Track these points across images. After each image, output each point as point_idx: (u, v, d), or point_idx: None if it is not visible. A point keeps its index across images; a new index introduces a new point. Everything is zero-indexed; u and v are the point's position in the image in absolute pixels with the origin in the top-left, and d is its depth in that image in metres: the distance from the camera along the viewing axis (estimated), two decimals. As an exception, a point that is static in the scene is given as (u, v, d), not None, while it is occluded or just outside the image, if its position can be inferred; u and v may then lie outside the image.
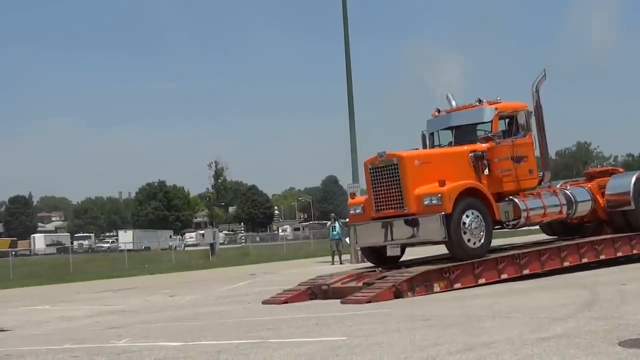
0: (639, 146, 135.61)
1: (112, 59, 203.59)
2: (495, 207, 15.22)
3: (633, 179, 17.68)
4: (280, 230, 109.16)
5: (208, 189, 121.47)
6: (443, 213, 14.27)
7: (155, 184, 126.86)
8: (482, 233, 14.72)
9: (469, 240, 14.54)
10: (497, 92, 16.62)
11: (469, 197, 14.78)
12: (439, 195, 14.36)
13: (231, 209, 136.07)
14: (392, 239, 15.07)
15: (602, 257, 16.77)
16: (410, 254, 17.27)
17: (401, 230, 14.82)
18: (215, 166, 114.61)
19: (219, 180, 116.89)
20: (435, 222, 14.33)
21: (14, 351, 9.77)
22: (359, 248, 17.28)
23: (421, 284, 13.69)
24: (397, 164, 14.86)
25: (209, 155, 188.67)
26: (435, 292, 13.69)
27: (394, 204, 14.90)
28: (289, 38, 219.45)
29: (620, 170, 20.26)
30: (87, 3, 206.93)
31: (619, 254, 17.19)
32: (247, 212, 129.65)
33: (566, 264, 16.04)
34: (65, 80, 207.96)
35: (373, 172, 15.26)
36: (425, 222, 14.48)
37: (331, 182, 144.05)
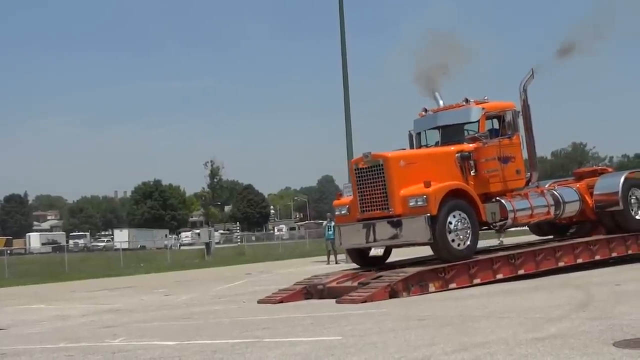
0: (635, 147, 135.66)
1: (108, 59, 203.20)
2: (482, 208, 15.08)
3: (622, 179, 17.52)
4: (276, 230, 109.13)
5: (204, 188, 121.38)
6: (428, 214, 14.15)
7: (151, 183, 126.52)
8: (468, 234, 14.58)
9: (454, 242, 14.40)
10: (486, 91, 16.45)
11: (455, 198, 14.65)
12: (424, 196, 14.23)
13: (227, 209, 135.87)
14: (375, 241, 14.95)
15: (597, 257, 16.78)
16: (405, 254, 17.24)
17: (385, 232, 14.69)
18: (211, 165, 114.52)
19: (215, 180, 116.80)
20: (421, 224, 14.19)
21: (8, 350, 9.77)
22: (344, 249, 17.01)
23: (416, 284, 13.69)
24: (382, 165, 14.72)
25: (205, 154, 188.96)
26: (431, 292, 13.70)
27: (379, 205, 14.75)
28: (285, 37, 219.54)
29: (610, 170, 20.13)
30: (84, 3, 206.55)
31: (614, 255, 17.22)
32: (242, 212, 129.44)
33: (561, 264, 16.06)
34: (61, 80, 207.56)
35: (358, 173, 15.11)
36: (410, 223, 14.34)
37: (327, 182, 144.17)
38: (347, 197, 16.05)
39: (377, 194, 14.78)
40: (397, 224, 14.48)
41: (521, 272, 15.28)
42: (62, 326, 13.05)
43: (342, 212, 15.78)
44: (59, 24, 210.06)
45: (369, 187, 14.93)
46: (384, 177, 14.69)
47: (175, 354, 8.46)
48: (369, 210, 14.96)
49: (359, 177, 15.10)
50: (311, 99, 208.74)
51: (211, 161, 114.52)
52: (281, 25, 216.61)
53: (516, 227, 17.25)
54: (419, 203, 14.28)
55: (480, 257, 15.12)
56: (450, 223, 14.41)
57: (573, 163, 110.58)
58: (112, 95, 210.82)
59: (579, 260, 16.40)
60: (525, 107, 16.62)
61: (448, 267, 14.23)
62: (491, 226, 15.79)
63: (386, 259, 16.29)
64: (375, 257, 16.14)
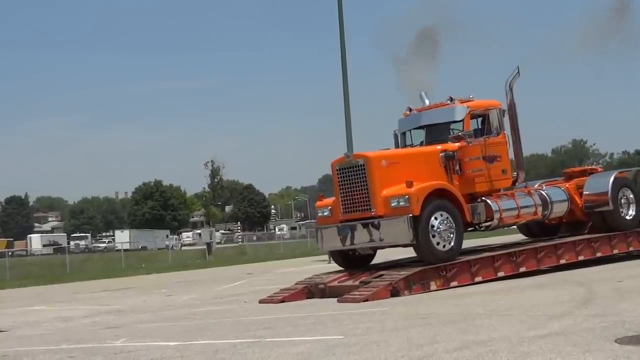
0: (635, 144, 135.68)
1: (108, 59, 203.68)
2: (466, 209, 14.74)
3: (611, 179, 17.26)
4: (277, 229, 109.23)
5: (204, 188, 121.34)
6: (410, 215, 13.82)
7: (152, 183, 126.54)
8: (452, 235, 14.24)
9: (438, 244, 14.06)
10: (471, 90, 16.12)
11: (438, 198, 14.30)
12: (406, 196, 13.92)
13: (228, 208, 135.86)
14: (356, 243, 14.61)
15: (599, 254, 16.75)
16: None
17: (366, 234, 14.36)
18: (212, 166, 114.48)
19: (216, 180, 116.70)
20: (402, 225, 13.85)
21: (11, 352, 9.77)
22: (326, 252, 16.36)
23: (418, 282, 13.67)
24: (363, 165, 14.44)
25: (205, 154, 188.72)
26: (432, 291, 13.68)
27: (361, 206, 14.46)
28: (285, 37, 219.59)
29: (599, 170, 19.96)
30: (84, 3, 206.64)
31: (615, 252, 17.18)
32: (243, 211, 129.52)
33: (563, 261, 16.04)
34: (61, 81, 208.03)
35: (340, 173, 14.82)
36: (392, 224, 14.04)
37: (328, 181, 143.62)
38: (329, 199, 15.69)
39: (359, 194, 14.49)
40: (378, 226, 14.19)
41: (523, 269, 15.25)
42: (64, 327, 13.05)
43: (325, 213, 15.44)
44: (59, 24, 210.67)
45: (350, 187, 14.64)
46: (365, 177, 14.41)
47: (177, 354, 8.46)
48: (351, 212, 14.67)
49: (341, 177, 14.81)
50: (311, 99, 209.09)
51: (211, 161, 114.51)
52: (281, 25, 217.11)
53: (502, 227, 16.79)
54: (400, 203, 13.99)
55: (481, 255, 15.10)
56: (434, 224, 14.09)
57: (573, 160, 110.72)
58: (112, 96, 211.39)
59: (581, 258, 16.36)
60: (512, 105, 16.30)
61: (449, 265, 14.19)
62: (476, 227, 15.51)
63: (370, 261, 15.95)
64: (361, 259, 15.61)
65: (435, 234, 14.11)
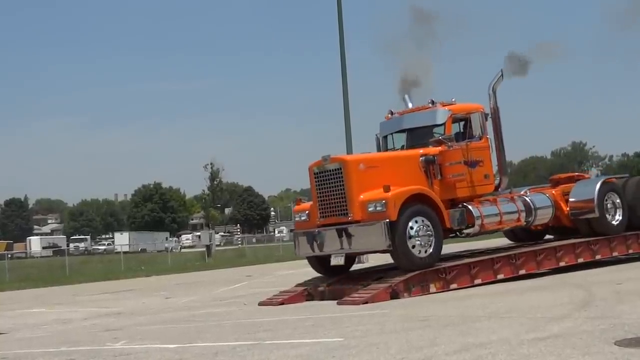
0: (634, 146, 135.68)
1: (107, 59, 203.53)
2: (446, 214, 14.41)
3: (597, 186, 17.09)
4: (276, 232, 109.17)
5: (204, 190, 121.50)
6: (387, 220, 13.49)
7: (151, 185, 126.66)
8: (430, 241, 13.91)
9: (415, 249, 13.75)
10: (455, 94, 15.84)
11: (417, 203, 13.96)
12: (384, 201, 13.59)
13: (227, 211, 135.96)
14: (332, 248, 14.28)
15: (598, 257, 16.75)
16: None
17: (342, 239, 14.01)
18: (211, 168, 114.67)
19: (215, 182, 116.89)
20: (379, 230, 13.54)
21: (10, 354, 9.78)
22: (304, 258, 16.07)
23: (417, 285, 13.66)
24: (340, 169, 14.11)
25: (205, 156, 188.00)
26: (432, 293, 13.67)
27: (338, 210, 14.12)
28: (285, 38, 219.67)
29: (587, 176, 19.82)
30: (84, 3, 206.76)
31: (615, 254, 17.19)
32: (243, 214, 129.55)
33: (562, 264, 16.03)
34: (60, 82, 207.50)
35: (317, 177, 14.44)
36: (368, 229, 13.76)
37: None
38: (307, 203, 15.41)
39: (336, 199, 14.16)
40: (354, 231, 13.90)
41: (522, 272, 15.24)
42: (64, 330, 13.05)
43: (302, 218, 15.05)
44: (59, 25, 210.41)
45: (328, 192, 14.29)
46: (342, 181, 14.07)
47: (177, 356, 8.46)
48: (328, 216, 14.36)
49: (318, 181, 14.48)
50: (311, 100, 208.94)
51: (211, 163, 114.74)
52: (281, 26, 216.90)
53: (484, 234, 16.41)
54: (377, 208, 13.67)
55: (481, 257, 15.10)
56: (411, 229, 13.76)
57: (573, 162, 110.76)
58: (112, 97, 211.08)
59: (580, 260, 16.36)
60: (495, 109, 16.03)
61: (449, 267, 14.18)
62: (457, 233, 15.27)
63: (349, 268, 15.67)
64: (338, 266, 14.89)
65: (413, 239, 13.77)
